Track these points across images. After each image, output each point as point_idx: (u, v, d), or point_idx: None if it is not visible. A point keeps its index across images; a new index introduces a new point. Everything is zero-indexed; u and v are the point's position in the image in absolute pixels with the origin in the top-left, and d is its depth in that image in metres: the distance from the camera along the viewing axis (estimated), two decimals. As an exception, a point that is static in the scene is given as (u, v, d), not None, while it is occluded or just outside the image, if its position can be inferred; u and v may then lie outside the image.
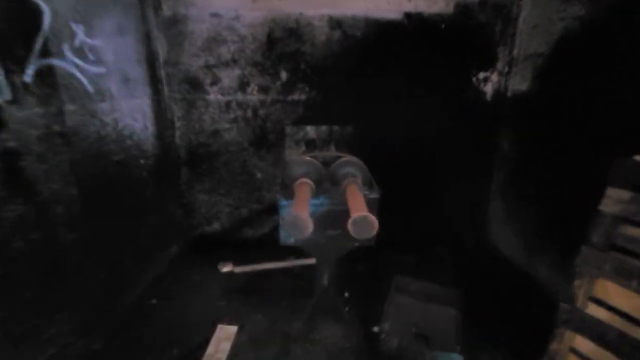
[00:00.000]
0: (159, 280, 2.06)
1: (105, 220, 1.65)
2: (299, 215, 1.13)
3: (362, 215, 1.12)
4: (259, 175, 2.35)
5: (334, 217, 1.44)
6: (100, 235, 1.61)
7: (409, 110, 2.24)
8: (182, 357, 1.52)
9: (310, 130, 2.26)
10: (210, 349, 1.56)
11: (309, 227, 1.14)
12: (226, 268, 2.18)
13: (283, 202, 1.39)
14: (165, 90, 2.14)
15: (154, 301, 1.89)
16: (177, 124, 2.24)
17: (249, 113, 2.22)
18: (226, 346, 1.58)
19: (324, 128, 2.25)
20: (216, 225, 2.48)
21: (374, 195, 1.41)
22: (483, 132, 2.32)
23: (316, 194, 1.40)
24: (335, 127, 2.25)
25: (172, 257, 2.28)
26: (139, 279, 1.95)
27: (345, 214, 1.28)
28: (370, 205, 1.40)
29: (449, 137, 2.30)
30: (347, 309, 1.85)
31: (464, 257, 2.45)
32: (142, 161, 1.91)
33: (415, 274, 2.30)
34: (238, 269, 2.18)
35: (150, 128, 1.99)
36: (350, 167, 1.45)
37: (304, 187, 1.26)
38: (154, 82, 2.04)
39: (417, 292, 1.95)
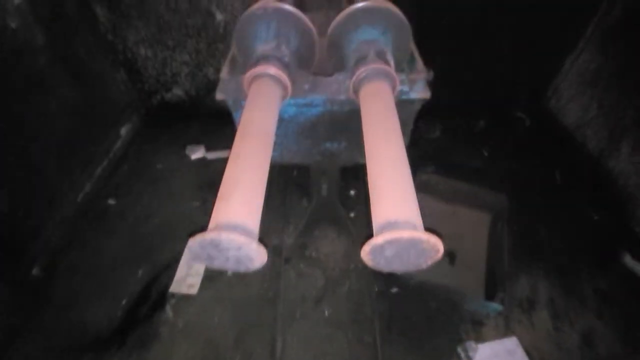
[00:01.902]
0: (114, 172, 1.61)
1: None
2: (229, 239, 0.41)
3: (406, 237, 0.39)
4: (219, 16, 1.46)
5: (333, 124, 0.79)
6: None
7: None
8: (146, 283, 1.23)
9: None
10: (181, 271, 1.27)
11: (258, 259, 0.43)
12: (197, 154, 1.68)
13: (235, 111, 0.72)
14: None
15: (110, 201, 1.50)
16: None
17: None
18: (200, 269, 1.27)
19: None
20: (178, 91, 1.80)
21: (419, 93, 0.70)
22: None
23: (300, 83, 0.69)
24: None
25: (128, 138, 1.74)
26: (84, 172, 1.49)
27: (353, 118, 0.65)
28: (409, 111, 0.72)
29: None
30: (352, 214, 1.45)
31: (509, 129, 1.85)
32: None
33: (440, 151, 1.81)
34: (212, 155, 1.68)
35: None
36: (369, 25, 0.66)
37: (263, 109, 0.54)
38: None
39: (445, 193, 1.50)
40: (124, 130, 1.71)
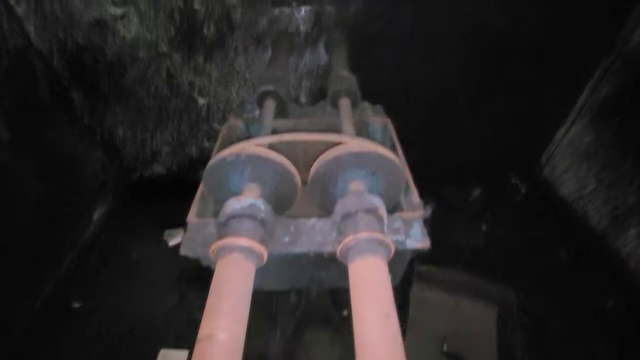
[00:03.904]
0: (81, 266, 1.46)
1: None
2: None
3: None
4: (201, 100, 1.41)
5: (319, 257, 0.68)
6: None
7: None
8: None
9: (281, 15, 1.18)
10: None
11: None
12: (175, 239, 1.55)
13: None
14: None
15: (74, 304, 1.34)
16: (19, 9, 1.14)
17: (151, -19, 1.10)
18: (173, 391, 1.10)
19: (305, 11, 1.17)
20: (158, 168, 1.70)
21: (417, 242, 0.61)
22: (604, 6, 1.24)
23: (279, 233, 0.60)
24: (329, 8, 1.17)
25: (101, 222, 1.62)
26: (45, 272, 1.34)
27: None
28: (404, 259, 0.63)
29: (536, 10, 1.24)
30: (345, 313, 1.31)
31: (505, 198, 1.78)
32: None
33: (436, 229, 1.70)
34: (194, 239, 1.54)
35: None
36: (357, 167, 0.58)
37: (232, 298, 0.43)
38: None
39: (446, 284, 1.39)
40: (96, 214, 1.59)
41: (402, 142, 0.97)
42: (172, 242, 1.54)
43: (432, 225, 1.65)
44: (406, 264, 0.67)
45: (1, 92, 1.14)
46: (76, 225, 1.50)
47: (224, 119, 1.47)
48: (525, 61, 1.39)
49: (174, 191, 1.74)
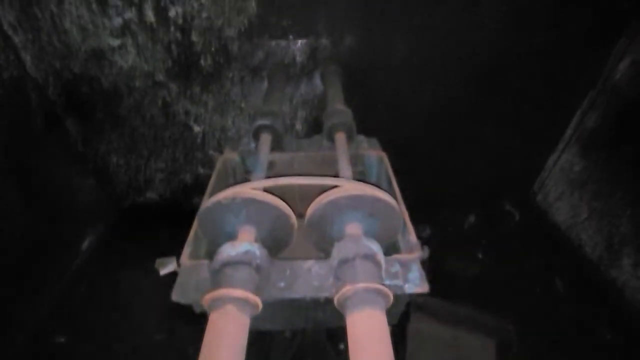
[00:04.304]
0: (68, 299, 1.41)
1: None
2: None
3: None
4: (196, 128, 1.41)
5: (313, 302, 0.66)
6: None
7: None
8: None
9: (277, 48, 1.20)
10: None
11: None
12: (167, 269, 1.50)
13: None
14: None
15: (59, 339, 1.28)
16: (17, 39, 1.15)
17: (149, 14, 1.11)
18: None
19: (301, 44, 1.19)
20: (152, 195, 1.68)
21: (415, 287, 0.60)
22: (585, 36, 1.29)
23: (275, 278, 0.58)
24: (324, 41, 1.20)
25: (90, 251, 1.57)
26: (30, 304, 1.29)
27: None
28: (402, 302, 0.62)
29: (520, 44, 1.29)
30: (341, 346, 1.27)
31: (500, 225, 1.79)
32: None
33: (432, 256, 1.69)
34: (186, 268, 1.50)
35: None
36: (354, 211, 0.58)
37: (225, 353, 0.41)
38: None
39: (444, 316, 1.37)
40: (86, 244, 1.55)
41: (397, 172, 0.97)
42: (163, 272, 1.49)
43: (429, 254, 1.65)
44: (403, 306, 0.65)
45: (-6, 122, 1.13)
46: (64, 255, 1.45)
47: (219, 146, 1.47)
48: (514, 92, 1.43)
49: (166, 218, 1.71)
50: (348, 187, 0.57)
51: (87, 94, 1.29)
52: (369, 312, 0.47)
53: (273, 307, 0.68)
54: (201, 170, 1.57)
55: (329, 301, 0.63)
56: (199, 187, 1.64)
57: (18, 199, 1.25)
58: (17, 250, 1.23)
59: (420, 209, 1.38)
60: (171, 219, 1.70)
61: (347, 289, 0.49)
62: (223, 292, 0.47)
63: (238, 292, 0.48)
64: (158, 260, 1.58)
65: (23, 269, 1.26)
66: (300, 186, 0.60)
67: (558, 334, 1.31)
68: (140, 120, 1.38)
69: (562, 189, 1.65)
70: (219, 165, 0.90)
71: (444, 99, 1.41)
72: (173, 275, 1.54)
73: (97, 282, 1.47)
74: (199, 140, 1.45)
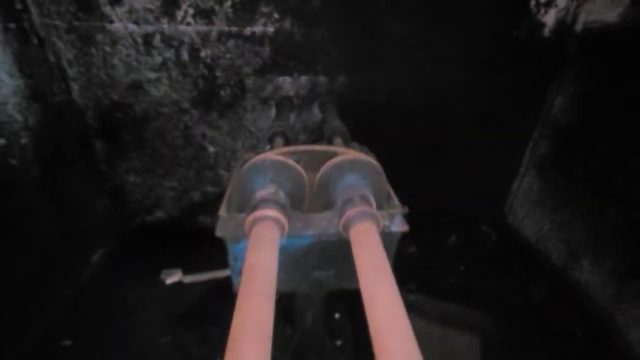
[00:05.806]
0: (76, 304, 1.46)
1: None
2: None
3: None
4: (211, 148, 1.63)
5: (322, 253, 0.83)
6: None
7: (431, 50, 1.50)
8: None
9: (284, 83, 1.50)
10: None
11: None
12: (172, 278, 1.60)
13: (232, 246, 0.76)
14: (34, 13, 1.27)
15: (66, 342, 1.32)
16: (70, 72, 1.41)
17: (185, 55, 1.41)
18: None
19: (303, 80, 1.50)
20: (160, 214, 1.82)
21: (399, 227, 0.79)
22: (528, 82, 1.65)
23: (294, 222, 0.76)
24: (322, 78, 1.51)
25: (99, 265, 1.66)
26: (40, 311, 1.34)
27: (341, 246, 0.69)
28: (391, 241, 0.79)
29: (480, 87, 1.62)
30: (338, 343, 1.35)
31: (479, 244, 1.97)
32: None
33: (419, 268, 1.85)
34: (189, 278, 1.60)
35: (10, 82, 1.18)
36: (352, 173, 0.79)
37: (266, 253, 0.59)
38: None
39: (433, 314, 1.48)
40: (96, 256, 1.64)
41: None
42: (169, 281, 1.59)
43: (416, 266, 1.80)
44: (395, 248, 0.82)
45: (43, 140, 1.32)
46: (75, 265, 1.54)
47: (228, 166, 1.68)
48: (478, 124, 1.74)
49: (172, 237, 1.84)
50: (348, 155, 0.79)
51: (120, 118, 1.52)
52: (367, 226, 0.65)
53: (285, 264, 0.83)
54: (210, 189, 1.76)
55: (332, 256, 0.80)
56: (206, 206, 1.80)
57: (46, 213, 1.39)
58: (33, 257, 1.33)
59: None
60: (176, 238, 1.83)
61: (349, 212, 0.67)
62: (262, 212, 0.65)
63: (272, 212, 0.66)
64: (164, 271, 1.70)
65: (35, 275, 1.34)
66: (310, 163, 0.80)
67: (535, 334, 1.43)
68: (162, 141, 1.60)
69: (527, 208, 1.89)
70: (239, 163, 1.11)
71: (420, 132, 1.70)
72: (176, 286, 1.64)
73: (104, 291, 1.54)
74: (211, 159, 1.66)
